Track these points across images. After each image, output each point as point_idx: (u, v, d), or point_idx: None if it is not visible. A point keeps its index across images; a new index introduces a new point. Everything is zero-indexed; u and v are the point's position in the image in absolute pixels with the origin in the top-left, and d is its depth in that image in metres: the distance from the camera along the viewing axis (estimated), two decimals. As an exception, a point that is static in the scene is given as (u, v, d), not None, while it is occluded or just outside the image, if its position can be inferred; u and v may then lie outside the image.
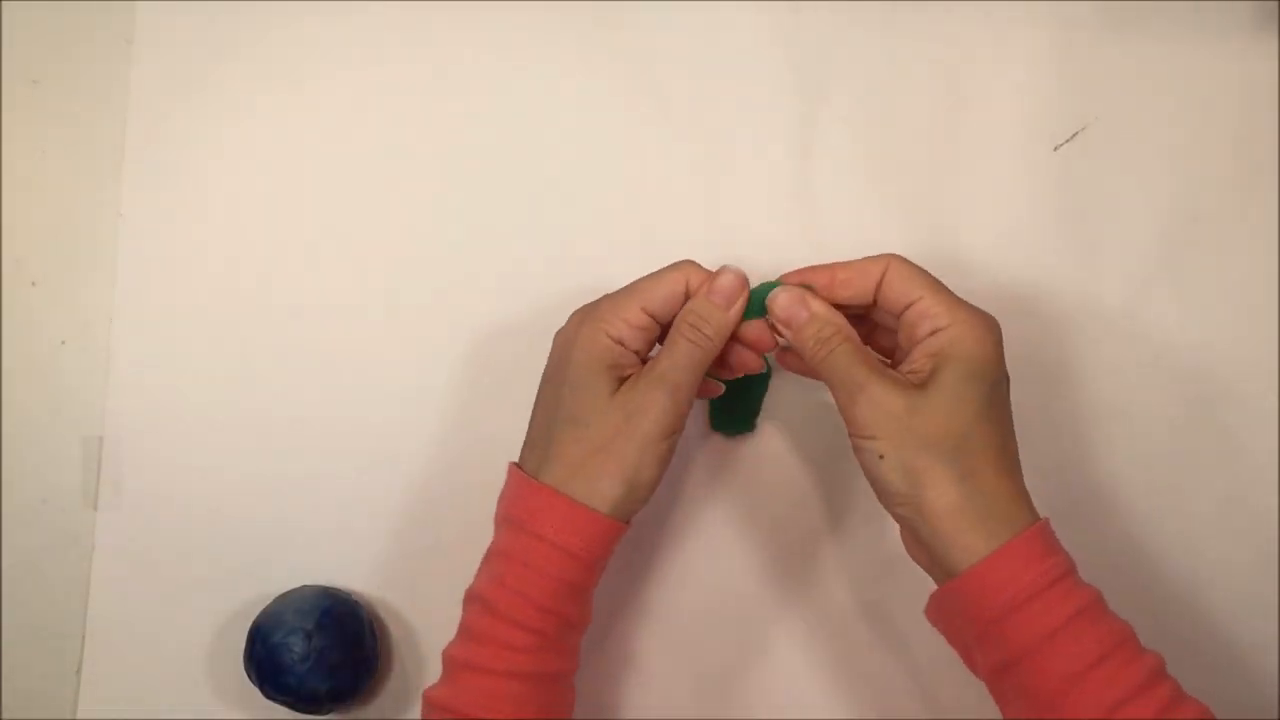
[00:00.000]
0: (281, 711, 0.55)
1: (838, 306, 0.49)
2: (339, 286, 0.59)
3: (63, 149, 0.59)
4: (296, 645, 0.53)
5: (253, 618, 0.55)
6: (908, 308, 0.48)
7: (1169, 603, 0.57)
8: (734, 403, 0.57)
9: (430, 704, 0.48)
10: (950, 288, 0.52)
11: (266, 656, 0.53)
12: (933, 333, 0.47)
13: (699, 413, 0.58)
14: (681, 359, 0.48)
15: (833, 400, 0.48)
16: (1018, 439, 0.48)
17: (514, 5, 0.60)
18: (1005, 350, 0.49)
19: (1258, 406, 0.58)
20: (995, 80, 0.60)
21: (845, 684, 0.57)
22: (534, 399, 0.51)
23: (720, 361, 0.51)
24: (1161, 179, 0.59)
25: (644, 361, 0.50)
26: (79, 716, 0.57)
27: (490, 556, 0.49)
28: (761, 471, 0.58)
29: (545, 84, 0.60)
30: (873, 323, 0.52)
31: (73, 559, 0.58)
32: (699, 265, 0.50)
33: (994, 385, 0.47)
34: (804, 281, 0.50)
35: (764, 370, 0.58)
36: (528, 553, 0.47)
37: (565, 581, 0.47)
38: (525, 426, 0.54)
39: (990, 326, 0.47)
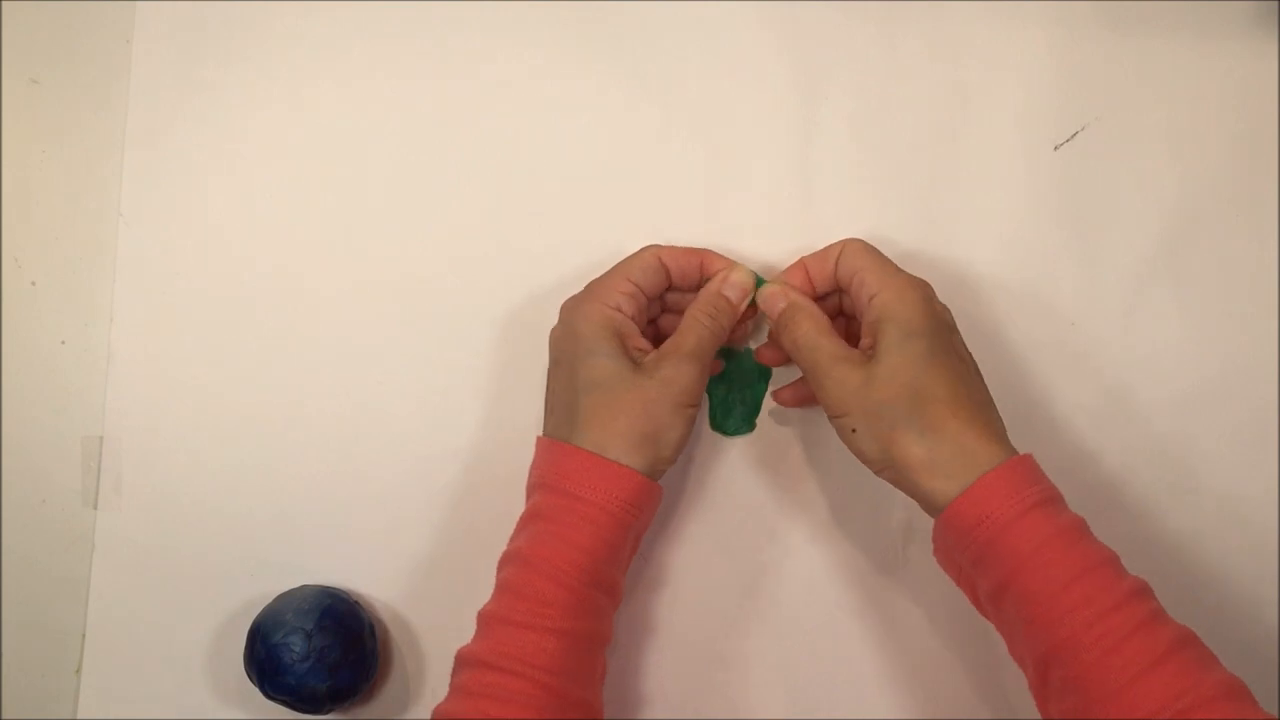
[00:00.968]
0: (281, 711, 0.55)
1: (816, 298, 0.54)
2: (339, 286, 0.59)
3: (63, 149, 0.59)
4: (296, 645, 0.53)
5: (253, 618, 0.55)
6: (853, 280, 0.52)
7: (1169, 603, 0.57)
8: (734, 403, 0.57)
9: (464, 660, 0.49)
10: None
11: (266, 656, 0.53)
12: (869, 301, 0.51)
13: (700, 413, 0.58)
14: (703, 335, 0.52)
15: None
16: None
17: (514, 5, 0.60)
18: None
19: (1258, 406, 0.58)
20: (995, 80, 0.59)
21: (845, 684, 0.57)
22: (543, 392, 0.53)
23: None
24: (1161, 179, 0.59)
25: (641, 329, 0.53)
26: (79, 716, 0.57)
27: (526, 520, 0.51)
28: (761, 471, 0.58)
29: (545, 82, 0.60)
30: (849, 315, 0.55)
31: (73, 559, 0.58)
32: (660, 245, 0.55)
33: (931, 339, 0.49)
34: (784, 280, 0.54)
35: (764, 370, 0.58)
36: (567, 513, 0.49)
37: (603, 541, 0.49)
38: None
39: (915, 285, 0.51)
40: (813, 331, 0.51)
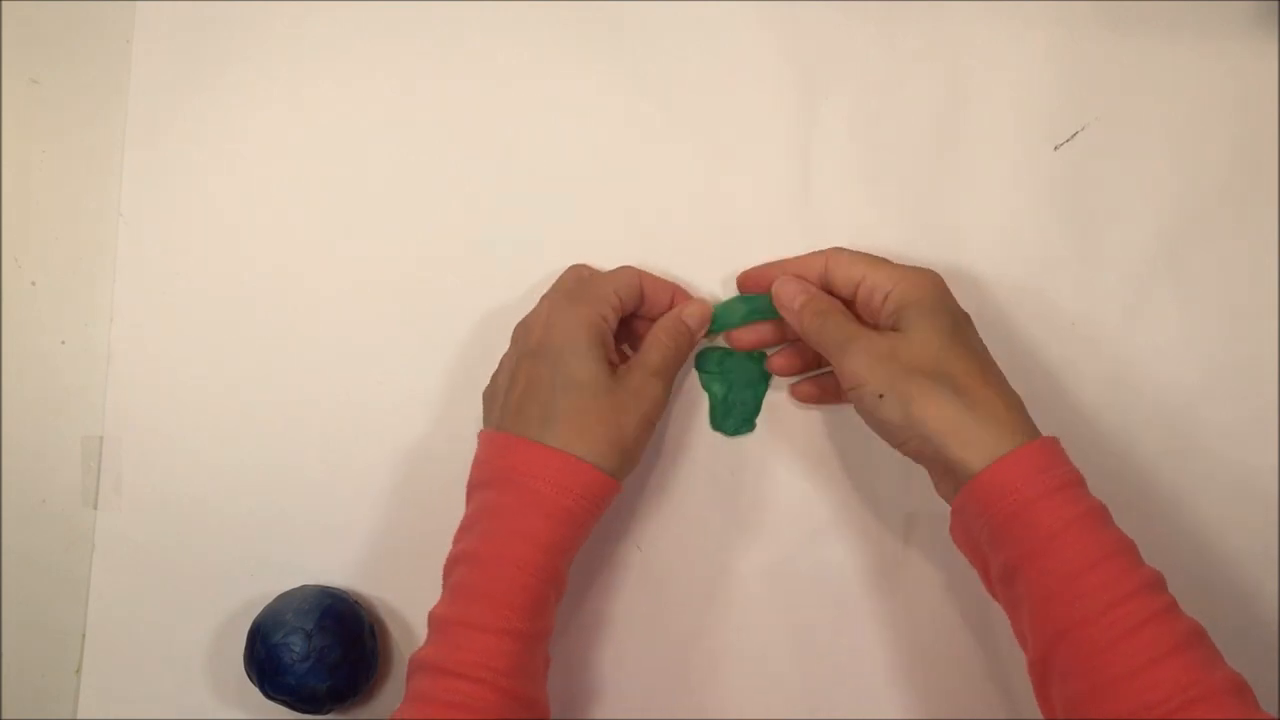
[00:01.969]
0: (281, 711, 0.55)
1: None
2: (339, 286, 0.59)
3: (63, 149, 0.59)
4: (296, 645, 0.53)
5: (253, 618, 0.55)
6: (857, 289, 0.52)
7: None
8: (734, 403, 0.57)
9: (421, 665, 0.48)
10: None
11: (266, 656, 0.53)
12: (884, 299, 0.51)
13: (700, 413, 0.58)
14: (669, 353, 0.54)
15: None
16: None
17: (514, 5, 0.60)
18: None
19: (1258, 405, 0.58)
20: (995, 80, 0.59)
21: (844, 683, 0.57)
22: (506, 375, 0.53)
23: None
24: (1161, 179, 0.59)
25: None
26: (79, 716, 0.57)
27: (475, 519, 0.50)
28: (761, 471, 0.58)
29: (545, 82, 0.60)
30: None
31: (73, 559, 0.58)
32: (641, 270, 0.55)
33: (955, 319, 0.51)
34: (763, 278, 0.55)
35: (764, 371, 0.58)
36: (524, 507, 0.49)
37: (561, 535, 0.49)
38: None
39: (931, 276, 0.52)
40: (836, 314, 0.52)
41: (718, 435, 0.58)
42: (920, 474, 0.52)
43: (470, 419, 0.58)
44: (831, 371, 0.56)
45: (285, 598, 0.55)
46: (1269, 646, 0.57)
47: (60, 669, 0.57)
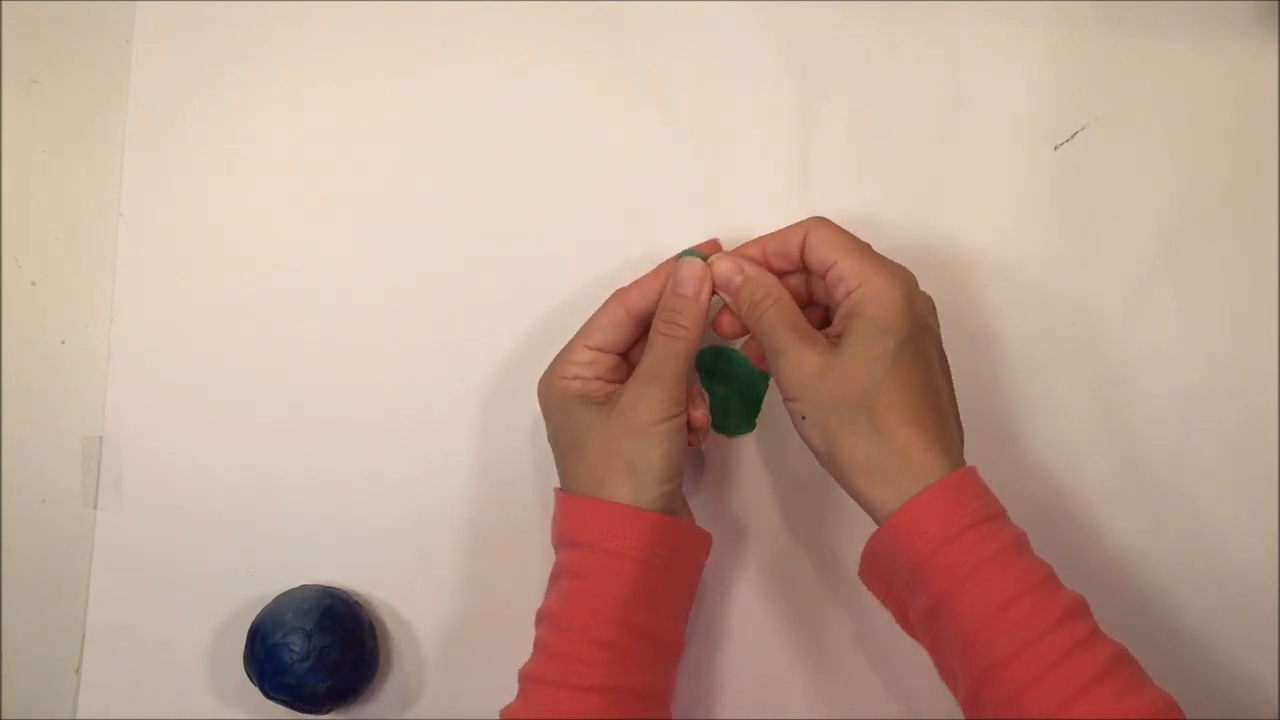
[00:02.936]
0: (281, 711, 0.55)
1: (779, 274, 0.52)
2: (339, 286, 0.59)
3: (63, 149, 0.59)
4: (296, 645, 0.53)
5: (253, 618, 0.55)
6: (828, 270, 0.50)
7: (1169, 602, 0.57)
8: (734, 403, 0.57)
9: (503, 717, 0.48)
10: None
11: (266, 656, 0.53)
12: (846, 295, 0.49)
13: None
14: (660, 353, 0.50)
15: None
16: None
17: (515, 5, 0.60)
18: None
19: (1258, 406, 0.58)
20: (995, 80, 0.60)
21: (845, 683, 0.57)
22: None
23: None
24: (1161, 179, 0.59)
25: (614, 369, 0.52)
26: (79, 716, 0.57)
27: (554, 577, 0.50)
28: (761, 471, 0.58)
29: (546, 83, 0.60)
30: (816, 300, 0.54)
31: (73, 559, 0.58)
32: (627, 288, 0.52)
33: (903, 339, 0.47)
34: (741, 255, 0.52)
35: (764, 370, 0.58)
36: (583, 564, 0.48)
37: (629, 587, 0.48)
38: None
39: (897, 281, 0.48)
40: (773, 309, 0.50)
41: (717, 435, 0.58)
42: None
43: (470, 418, 0.58)
44: None
45: (285, 598, 0.55)
46: (1269, 648, 0.57)
47: (60, 669, 0.57)
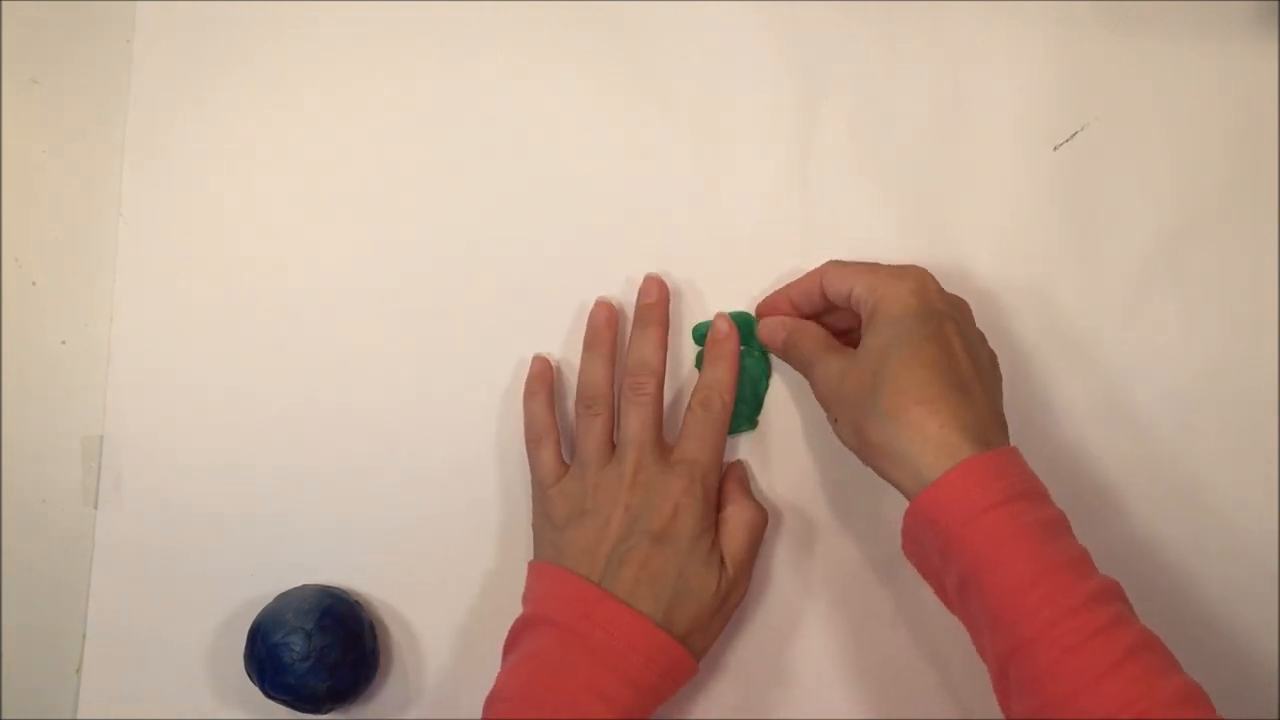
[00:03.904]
0: (282, 711, 0.55)
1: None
2: (339, 286, 0.59)
3: (63, 149, 0.59)
4: (296, 644, 0.53)
5: (253, 618, 0.55)
6: (848, 299, 0.52)
7: (1169, 603, 0.57)
8: (736, 402, 0.57)
9: None
10: (949, 287, 0.52)
11: (267, 656, 0.53)
12: (866, 310, 0.51)
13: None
14: (741, 541, 0.54)
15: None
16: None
17: (515, 5, 0.60)
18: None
19: (1258, 406, 0.58)
20: (995, 80, 0.59)
21: (845, 682, 0.57)
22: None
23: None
24: (1161, 179, 0.59)
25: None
26: (79, 716, 0.57)
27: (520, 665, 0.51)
28: (762, 470, 0.58)
29: (546, 83, 0.60)
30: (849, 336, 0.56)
31: (73, 559, 0.58)
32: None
33: (912, 324, 0.49)
34: (772, 313, 0.56)
35: (765, 369, 0.58)
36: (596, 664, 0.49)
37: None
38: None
39: (902, 275, 0.51)
40: (796, 333, 0.54)
41: (718, 435, 0.58)
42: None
43: (470, 419, 0.58)
44: None
45: (285, 597, 0.55)
46: (1269, 649, 0.57)
47: (60, 669, 0.57)
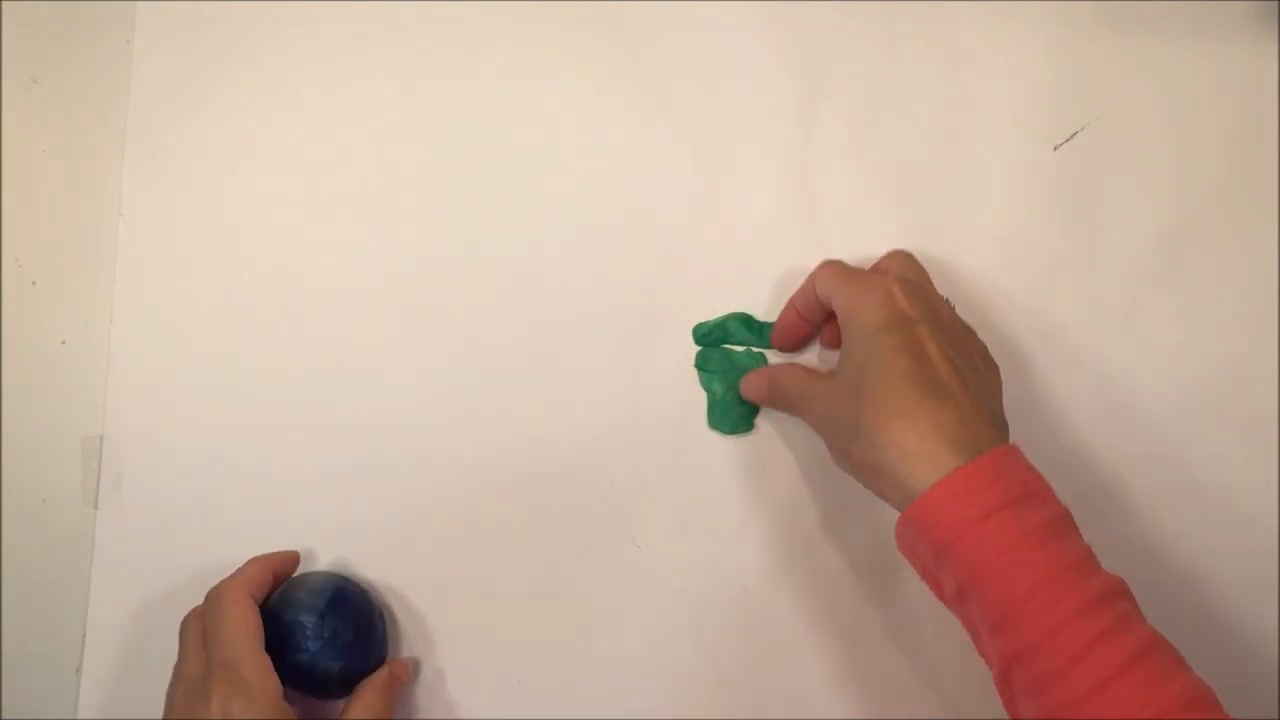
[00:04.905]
0: (292, 697, 0.54)
1: (817, 325, 0.56)
2: (339, 285, 0.59)
3: (63, 149, 0.59)
4: (309, 623, 0.52)
5: (252, 617, 0.55)
6: (831, 306, 0.52)
7: (1169, 603, 0.57)
8: (732, 402, 0.57)
9: None
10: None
11: (279, 635, 0.53)
12: (844, 327, 0.51)
13: (699, 412, 0.58)
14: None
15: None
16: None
17: (515, 5, 0.60)
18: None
19: (1257, 406, 0.58)
20: (995, 80, 0.60)
21: (845, 683, 0.57)
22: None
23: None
24: (1161, 179, 0.59)
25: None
26: (79, 716, 0.57)
27: None
28: (761, 471, 0.58)
29: (546, 83, 0.60)
30: None
31: (73, 559, 0.58)
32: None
33: (879, 339, 0.48)
34: (782, 330, 0.57)
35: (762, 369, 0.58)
36: None
37: None
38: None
39: (870, 287, 0.50)
40: (777, 375, 0.55)
41: (716, 434, 0.58)
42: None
43: (471, 415, 0.58)
44: None
45: (298, 580, 0.55)
46: (1269, 650, 0.57)
47: (60, 669, 0.57)
